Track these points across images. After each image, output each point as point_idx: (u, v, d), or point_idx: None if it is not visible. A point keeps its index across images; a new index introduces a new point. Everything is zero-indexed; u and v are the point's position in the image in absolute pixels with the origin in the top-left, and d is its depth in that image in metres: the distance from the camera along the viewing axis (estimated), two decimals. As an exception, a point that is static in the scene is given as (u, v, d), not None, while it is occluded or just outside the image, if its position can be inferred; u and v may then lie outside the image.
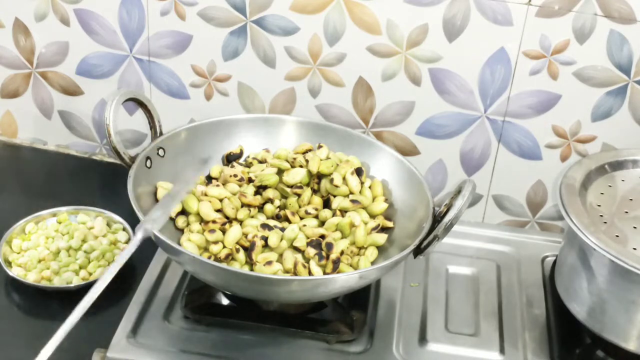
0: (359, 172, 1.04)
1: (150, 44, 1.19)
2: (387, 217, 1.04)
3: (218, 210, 0.99)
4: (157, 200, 1.01)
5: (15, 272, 1.04)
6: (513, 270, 1.15)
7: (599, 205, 0.98)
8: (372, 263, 0.99)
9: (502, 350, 1.02)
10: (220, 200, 1.00)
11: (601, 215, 0.96)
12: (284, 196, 1.03)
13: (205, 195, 1.00)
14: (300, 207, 1.02)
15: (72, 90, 1.26)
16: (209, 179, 1.06)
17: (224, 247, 0.96)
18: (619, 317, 0.94)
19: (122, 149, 0.99)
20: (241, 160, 1.09)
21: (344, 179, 1.03)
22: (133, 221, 0.92)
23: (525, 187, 1.20)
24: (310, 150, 1.08)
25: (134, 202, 0.93)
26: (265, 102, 1.20)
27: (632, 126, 1.12)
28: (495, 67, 1.11)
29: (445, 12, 1.08)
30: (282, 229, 0.98)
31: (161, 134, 1.06)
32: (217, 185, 1.02)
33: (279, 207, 1.03)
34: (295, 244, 0.97)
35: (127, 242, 1.10)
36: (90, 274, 1.05)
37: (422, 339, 1.02)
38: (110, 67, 1.23)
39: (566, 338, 1.03)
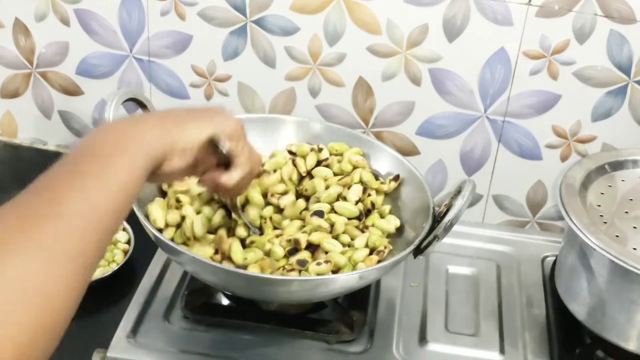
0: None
1: (150, 44, 1.19)
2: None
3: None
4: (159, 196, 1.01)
5: (15, 272, 1.04)
6: (513, 270, 1.15)
7: (599, 205, 0.98)
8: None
9: (502, 350, 1.02)
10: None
11: (601, 215, 0.96)
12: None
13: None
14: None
15: (72, 90, 1.26)
16: None
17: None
18: (619, 317, 0.94)
19: (122, 149, 0.99)
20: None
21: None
22: (133, 221, 0.92)
23: (525, 187, 1.20)
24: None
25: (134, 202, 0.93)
26: (265, 102, 1.20)
27: (632, 126, 1.12)
28: (495, 67, 1.11)
29: (445, 12, 1.08)
30: None
31: (161, 134, 1.06)
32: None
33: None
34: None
35: (128, 242, 1.10)
36: (90, 274, 1.05)
37: (422, 339, 1.02)
38: (110, 67, 1.23)
39: (566, 338, 1.03)
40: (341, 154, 1.07)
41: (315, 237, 0.95)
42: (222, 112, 0.82)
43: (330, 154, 1.07)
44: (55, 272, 0.54)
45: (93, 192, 0.60)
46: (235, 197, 0.95)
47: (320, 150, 1.07)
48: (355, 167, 1.04)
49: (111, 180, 0.62)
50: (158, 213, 0.95)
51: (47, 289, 0.53)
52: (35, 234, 0.54)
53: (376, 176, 1.04)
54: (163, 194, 1.01)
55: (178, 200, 0.97)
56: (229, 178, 0.83)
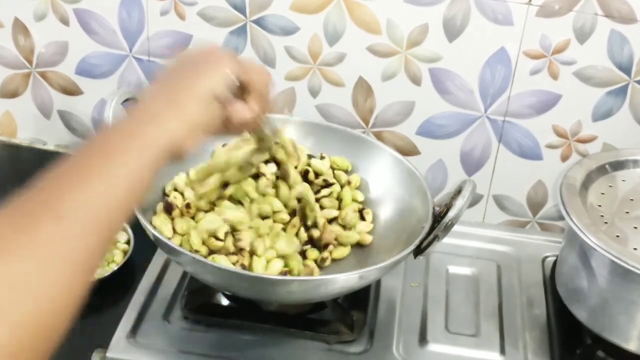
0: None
1: (150, 43, 1.19)
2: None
3: None
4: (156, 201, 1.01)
5: (14, 272, 1.04)
6: (513, 270, 1.15)
7: (599, 205, 0.98)
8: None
9: (502, 351, 1.01)
10: None
11: (602, 215, 0.96)
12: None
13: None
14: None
15: (71, 90, 1.26)
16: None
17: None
18: (619, 317, 0.94)
19: (122, 149, 0.99)
20: None
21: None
22: (132, 221, 0.91)
23: (526, 187, 1.20)
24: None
25: (133, 202, 0.93)
26: (265, 102, 1.20)
27: (633, 126, 1.12)
28: (495, 66, 1.11)
29: (445, 12, 1.08)
30: None
31: (161, 133, 1.05)
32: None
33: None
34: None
35: (127, 242, 1.10)
36: (90, 274, 1.05)
37: (422, 339, 1.02)
38: (109, 66, 1.22)
39: (567, 338, 1.03)
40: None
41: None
42: (210, 64, 0.76)
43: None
44: (50, 273, 0.52)
45: (93, 192, 0.58)
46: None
47: (322, 158, 1.07)
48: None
49: (114, 181, 0.60)
50: (165, 225, 0.96)
51: (41, 291, 0.51)
52: (31, 234, 0.52)
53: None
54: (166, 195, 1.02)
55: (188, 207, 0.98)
56: (250, 111, 0.80)
